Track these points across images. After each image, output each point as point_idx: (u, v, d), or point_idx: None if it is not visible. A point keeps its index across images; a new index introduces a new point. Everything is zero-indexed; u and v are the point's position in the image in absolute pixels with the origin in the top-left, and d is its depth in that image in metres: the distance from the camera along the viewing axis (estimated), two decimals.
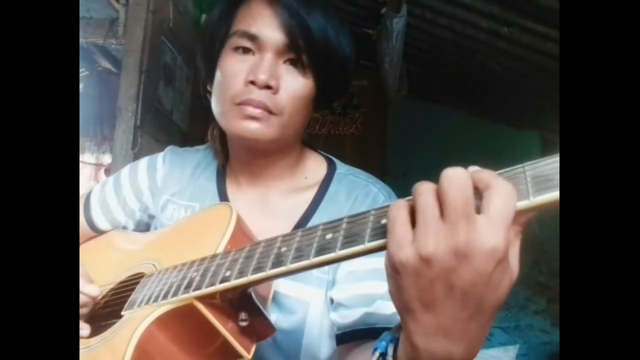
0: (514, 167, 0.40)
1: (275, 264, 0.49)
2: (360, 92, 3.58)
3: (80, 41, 2.43)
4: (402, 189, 0.79)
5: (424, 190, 0.40)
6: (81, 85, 3.41)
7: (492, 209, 0.37)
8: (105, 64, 3.36)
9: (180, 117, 2.51)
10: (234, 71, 0.72)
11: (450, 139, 3.60)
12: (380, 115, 3.65)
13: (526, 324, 3.39)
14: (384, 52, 2.66)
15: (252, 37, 0.71)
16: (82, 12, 2.39)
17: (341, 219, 0.47)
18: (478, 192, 0.39)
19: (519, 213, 0.38)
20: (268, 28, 0.71)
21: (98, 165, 3.64)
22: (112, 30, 2.39)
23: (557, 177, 0.37)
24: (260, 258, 0.51)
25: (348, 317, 0.69)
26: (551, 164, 0.38)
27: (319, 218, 0.75)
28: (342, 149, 3.36)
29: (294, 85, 0.72)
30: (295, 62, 0.73)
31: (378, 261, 0.48)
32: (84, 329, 0.65)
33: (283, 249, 0.49)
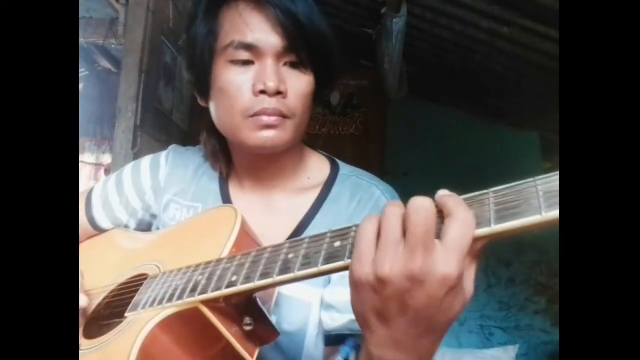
0: (481, 192, 0.42)
1: (283, 271, 0.49)
2: (360, 92, 3.58)
3: (80, 41, 2.44)
4: (402, 189, 0.79)
5: (390, 213, 0.42)
6: (81, 85, 3.41)
7: (449, 237, 0.40)
8: (105, 64, 3.37)
9: (180, 117, 2.51)
10: (237, 84, 0.70)
11: (450, 139, 3.59)
12: (380, 115, 3.64)
13: (526, 324, 3.38)
14: (384, 52, 2.66)
15: (250, 47, 0.69)
16: (82, 12, 2.40)
17: (349, 227, 0.47)
18: (442, 217, 0.41)
19: (478, 239, 0.40)
20: (263, 34, 0.69)
21: (98, 165, 3.65)
22: (112, 30, 2.40)
23: (521, 205, 0.39)
24: (267, 264, 0.51)
25: (337, 320, 0.69)
26: (518, 191, 0.40)
27: (322, 219, 0.75)
28: (342, 149, 3.35)
29: (299, 85, 0.72)
30: (295, 64, 0.72)
31: None
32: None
33: (290, 256, 0.49)
